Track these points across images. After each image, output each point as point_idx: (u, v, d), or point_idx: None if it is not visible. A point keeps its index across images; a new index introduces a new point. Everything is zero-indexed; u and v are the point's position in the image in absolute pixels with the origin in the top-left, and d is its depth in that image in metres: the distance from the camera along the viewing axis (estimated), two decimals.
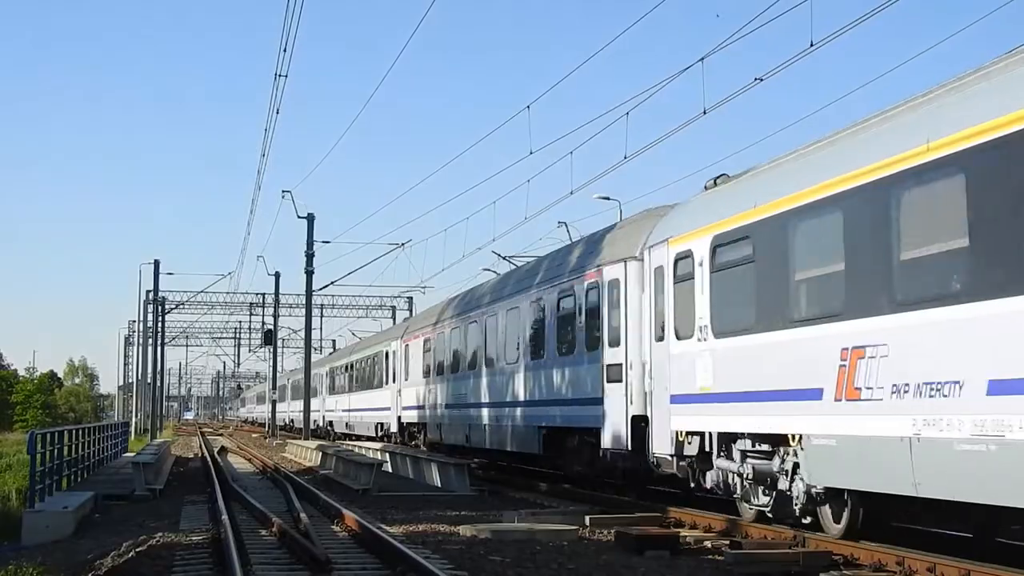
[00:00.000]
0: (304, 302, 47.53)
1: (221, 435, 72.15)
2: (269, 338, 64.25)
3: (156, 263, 60.99)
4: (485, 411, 25.70)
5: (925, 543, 12.25)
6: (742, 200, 14.04)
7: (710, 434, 14.69)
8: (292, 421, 68.85)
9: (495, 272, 39.83)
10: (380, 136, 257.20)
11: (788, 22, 18.82)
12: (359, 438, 43.35)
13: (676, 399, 15.44)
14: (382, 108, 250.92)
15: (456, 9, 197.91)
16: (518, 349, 23.44)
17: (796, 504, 12.92)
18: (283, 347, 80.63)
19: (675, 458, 15.66)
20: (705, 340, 14.53)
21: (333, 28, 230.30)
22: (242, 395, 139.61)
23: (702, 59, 17.84)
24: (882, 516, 12.49)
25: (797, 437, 12.62)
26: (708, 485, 15.17)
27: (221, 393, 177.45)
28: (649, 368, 16.62)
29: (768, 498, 13.85)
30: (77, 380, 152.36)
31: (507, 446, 24.30)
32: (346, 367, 49.33)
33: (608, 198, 40.57)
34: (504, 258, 39.51)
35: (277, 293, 61.69)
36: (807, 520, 13.07)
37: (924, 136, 10.45)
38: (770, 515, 13.87)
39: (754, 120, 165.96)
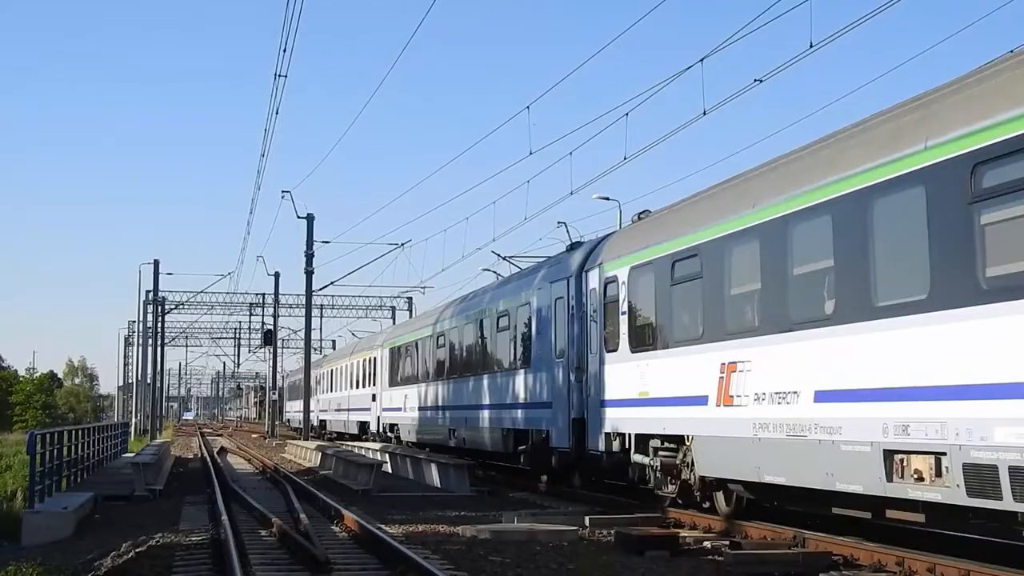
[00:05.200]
0: (304, 302, 47.52)
1: (221, 436, 72.11)
2: (269, 338, 64.18)
3: (156, 263, 61.03)
4: None
5: (925, 543, 12.25)
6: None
7: None
8: (330, 424, 54.01)
9: (495, 272, 39.78)
10: (380, 136, 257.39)
11: (788, 22, 18.82)
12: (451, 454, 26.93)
13: None
14: (382, 108, 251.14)
15: (456, 9, 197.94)
16: None
17: None
18: (283, 347, 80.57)
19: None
20: None
21: (333, 28, 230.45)
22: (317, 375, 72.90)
23: (702, 60, 17.83)
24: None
25: None
26: None
27: (221, 393, 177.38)
28: None
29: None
30: (77, 380, 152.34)
31: None
32: (431, 340, 31.31)
33: (608, 198, 40.63)
34: (504, 258, 39.43)
35: (277, 293, 61.66)
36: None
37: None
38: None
39: (754, 120, 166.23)
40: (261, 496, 21.04)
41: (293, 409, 67.92)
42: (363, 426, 44.05)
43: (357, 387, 45.49)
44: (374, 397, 40.65)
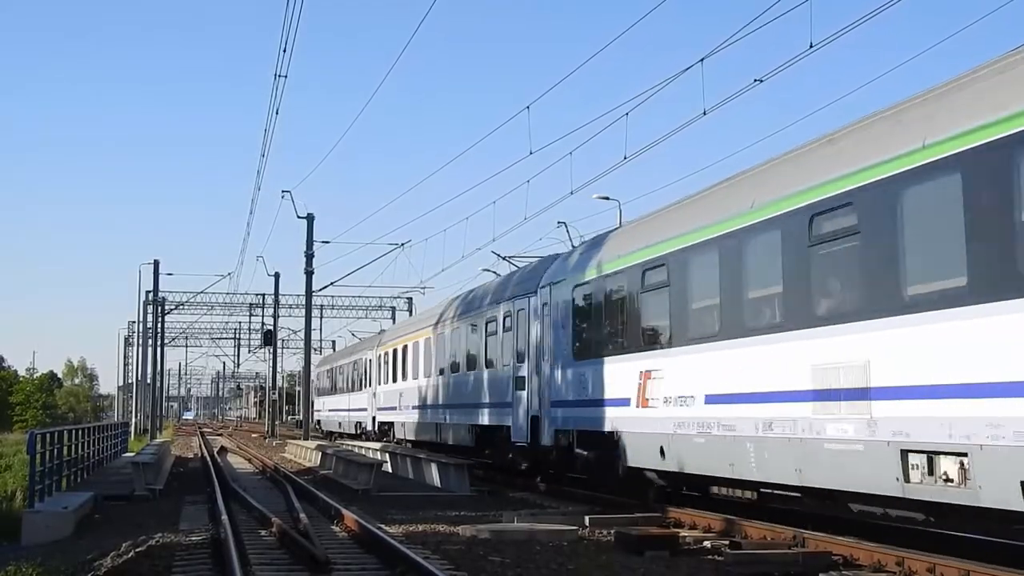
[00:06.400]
0: (304, 302, 47.48)
1: (221, 435, 72.14)
2: (269, 339, 64.19)
3: (156, 263, 60.99)
4: None
5: (925, 543, 12.25)
6: None
7: None
8: (401, 429, 35.93)
9: (495, 272, 39.76)
10: (380, 136, 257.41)
11: (788, 22, 18.79)
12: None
13: None
14: (383, 108, 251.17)
15: (456, 9, 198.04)
16: None
17: None
18: (283, 348, 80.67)
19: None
20: None
21: (333, 28, 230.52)
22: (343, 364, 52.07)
23: (702, 60, 17.73)
24: None
25: None
26: None
27: (221, 393, 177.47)
28: None
29: None
30: (77, 380, 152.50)
31: None
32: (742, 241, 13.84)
33: (608, 198, 40.62)
34: (504, 258, 39.45)
35: (277, 293, 61.66)
36: None
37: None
38: None
39: (754, 120, 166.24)
40: (261, 496, 21.03)
41: (327, 407, 53.05)
42: (486, 434, 25.79)
43: (469, 367, 27.38)
44: (520, 383, 22.93)
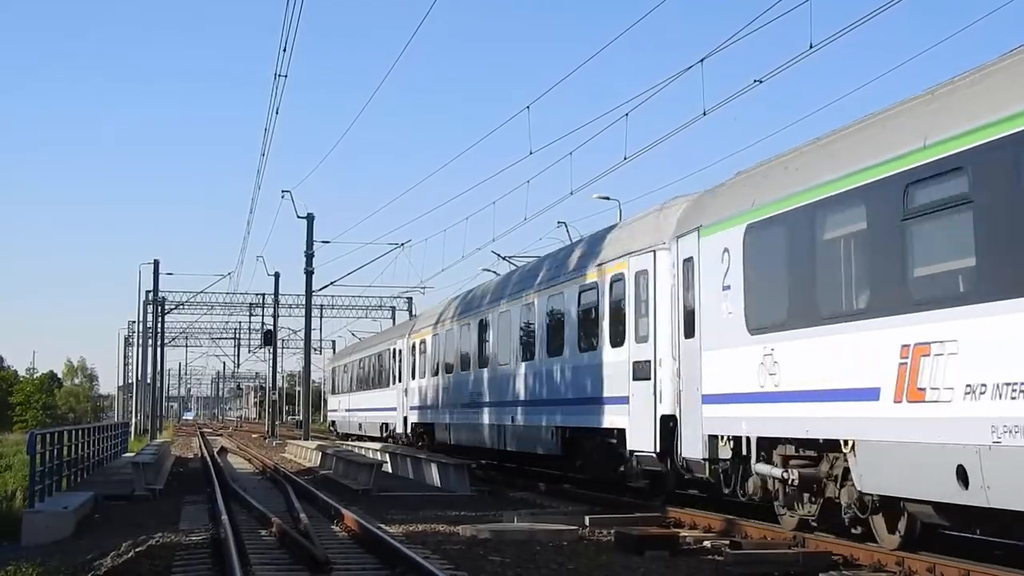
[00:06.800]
0: (304, 302, 47.47)
1: (221, 435, 72.15)
2: (269, 338, 64.21)
3: (156, 263, 61.00)
4: None
5: (925, 543, 12.24)
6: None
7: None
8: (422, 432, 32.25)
9: (495, 272, 39.78)
10: (380, 136, 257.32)
11: (788, 22, 18.79)
12: None
13: None
14: (382, 108, 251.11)
15: (457, 9, 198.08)
16: None
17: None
18: (283, 348, 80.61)
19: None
20: None
21: (333, 28, 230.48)
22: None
23: (702, 60, 17.75)
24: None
25: None
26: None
27: (221, 393, 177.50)
28: None
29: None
30: (77, 380, 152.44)
31: None
32: None
33: (608, 198, 40.67)
34: (504, 258, 39.52)
35: (277, 293, 61.67)
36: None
37: None
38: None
39: (754, 120, 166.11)
40: (261, 496, 21.04)
41: (344, 407, 48.30)
42: (579, 438, 20.20)
43: (553, 353, 21.34)
44: (641, 370, 17.08)
